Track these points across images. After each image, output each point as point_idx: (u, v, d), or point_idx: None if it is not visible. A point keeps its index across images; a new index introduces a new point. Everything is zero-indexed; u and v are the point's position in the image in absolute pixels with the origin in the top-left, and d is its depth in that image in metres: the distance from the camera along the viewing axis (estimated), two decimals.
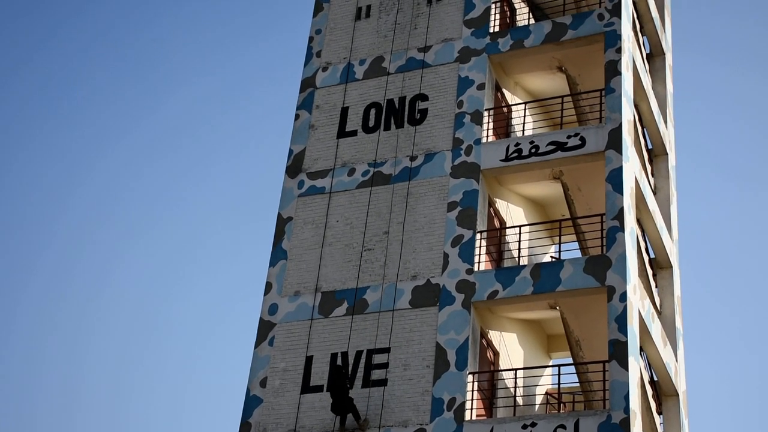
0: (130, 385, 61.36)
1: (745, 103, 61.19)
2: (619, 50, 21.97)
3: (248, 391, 20.62)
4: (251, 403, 20.41)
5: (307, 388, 20.13)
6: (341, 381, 18.92)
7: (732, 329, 62.11)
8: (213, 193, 63.49)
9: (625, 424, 17.81)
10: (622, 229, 19.93)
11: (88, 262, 61.40)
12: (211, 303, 65.30)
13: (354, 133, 23.06)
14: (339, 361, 20.15)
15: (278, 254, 22.07)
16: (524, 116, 23.30)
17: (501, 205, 22.43)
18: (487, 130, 22.14)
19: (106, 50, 64.55)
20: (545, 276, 19.81)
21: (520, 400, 21.08)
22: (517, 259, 21.90)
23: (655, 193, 25.24)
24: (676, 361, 23.28)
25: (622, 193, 20.35)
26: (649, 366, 21.92)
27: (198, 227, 64.16)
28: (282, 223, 22.46)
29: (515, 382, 20.62)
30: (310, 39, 25.00)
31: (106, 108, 64.40)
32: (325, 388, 19.92)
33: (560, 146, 21.26)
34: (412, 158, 22.14)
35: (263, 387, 20.47)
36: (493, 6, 23.74)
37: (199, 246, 63.84)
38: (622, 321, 18.92)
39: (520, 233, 21.80)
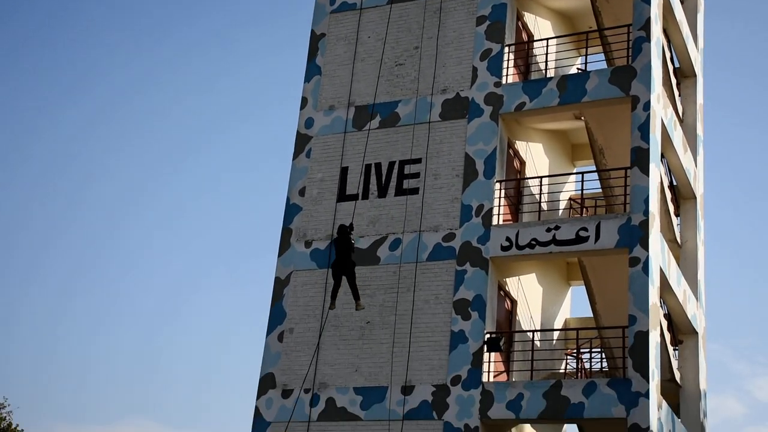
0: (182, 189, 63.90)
1: None
2: None
3: (288, 199, 21.89)
4: (291, 210, 21.72)
5: (342, 196, 21.33)
6: (346, 241, 17.90)
7: (751, 136, 62.72)
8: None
9: (644, 225, 18.91)
10: (648, 39, 20.34)
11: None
12: (251, 122, 67.41)
13: None
14: (375, 166, 21.09)
15: (312, 70, 22.80)
16: None
17: (529, 18, 22.78)
18: None
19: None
20: (571, 87, 20.45)
21: (544, 206, 22.21)
22: (544, 71, 22.48)
23: (682, 2, 25.36)
24: (696, 166, 24.18)
25: (649, 3, 20.63)
26: (669, 171, 22.84)
27: (235, 45, 65.17)
28: (315, 40, 23.04)
29: (540, 189, 21.68)
30: None
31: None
32: (359, 197, 21.09)
33: None
34: None
35: (302, 196, 21.73)
36: None
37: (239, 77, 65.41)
38: (644, 129, 19.67)
39: (547, 46, 22.26)
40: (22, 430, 34.76)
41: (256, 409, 20.25)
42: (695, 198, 23.99)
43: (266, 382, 20.40)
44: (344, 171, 21.56)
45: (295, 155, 22.20)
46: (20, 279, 63.89)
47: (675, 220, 22.99)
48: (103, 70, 64.42)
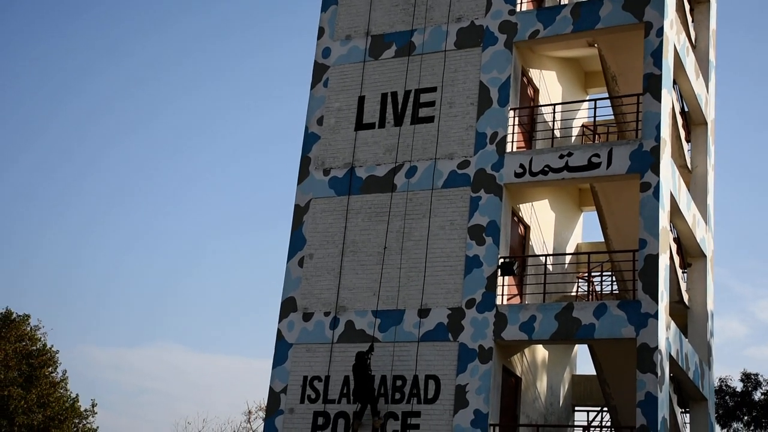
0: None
1: None
2: None
3: (306, 128, 22.31)
4: (310, 139, 22.16)
5: (360, 125, 21.75)
6: (364, 369, 19.21)
7: (763, 61, 62.39)
8: None
9: (656, 151, 19.28)
10: None
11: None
12: (269, 56, 67.97)
13: None
14: (391, 95, 21.42)
15: (329, 0, 23.00)
16: None
17: None
18: None
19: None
20: (585, 14, 20.61)
21: (557, 133, 22.57)
22: None
23: None
24: (707, 92, 24.40)
25: None
26: (681, 97, 23.10)
27: None
28: None
29: (553, 116, 22.01)
30: None
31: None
32: (376, 126, 21.47)
33: None
34: None
35: (320, 125, 22.13)
36: None
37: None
38: (657, 55, 19.89)
39: None
40: (57, 350, 36.23)
41: (279, 331, 20.99)
42: (706, 124, 24.28)
43: (288, 306, 21.11)
44: (361, 100, 21.92)
45: (313, 85, 22.54)
46: (55, 202, 64.99)
47: (686, 146, 23.33)
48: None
